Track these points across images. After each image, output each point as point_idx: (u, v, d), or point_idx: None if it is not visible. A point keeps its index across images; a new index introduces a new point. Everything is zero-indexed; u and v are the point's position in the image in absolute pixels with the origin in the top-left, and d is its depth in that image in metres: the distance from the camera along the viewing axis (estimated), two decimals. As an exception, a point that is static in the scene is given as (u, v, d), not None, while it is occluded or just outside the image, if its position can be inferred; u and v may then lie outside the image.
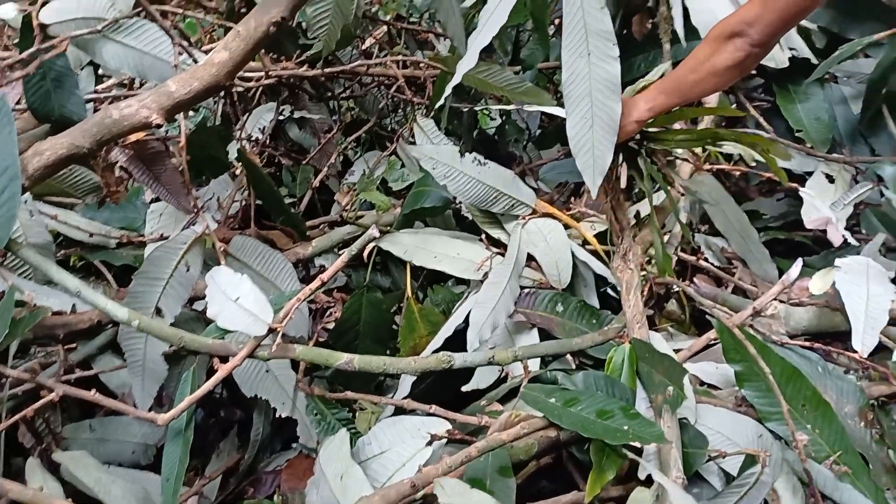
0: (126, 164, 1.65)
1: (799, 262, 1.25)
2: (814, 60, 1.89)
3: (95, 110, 1.50)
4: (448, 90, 1.34)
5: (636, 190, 2.15)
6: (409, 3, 2.79)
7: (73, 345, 1.48)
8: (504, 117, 2.53)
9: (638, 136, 1.32)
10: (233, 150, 1.86)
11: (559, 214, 1.62)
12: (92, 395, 1.11)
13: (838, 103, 1.96)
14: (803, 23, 1.91)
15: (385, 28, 2.58)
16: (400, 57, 2.12)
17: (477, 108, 2.37)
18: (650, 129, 1.35)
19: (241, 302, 1.22)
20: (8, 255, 1.36)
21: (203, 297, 1.53)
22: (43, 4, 1.37)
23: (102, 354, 1.48)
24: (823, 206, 1.59)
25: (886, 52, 1.83)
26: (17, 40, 1.55)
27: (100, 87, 1.72)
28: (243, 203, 1.87)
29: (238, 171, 1.92)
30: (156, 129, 1.30)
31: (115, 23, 1.38)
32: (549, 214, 1.61)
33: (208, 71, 1.25)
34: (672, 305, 1.64)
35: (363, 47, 2.48)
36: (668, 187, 1.43)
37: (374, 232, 1.35)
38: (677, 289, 1.52)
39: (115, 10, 1.39)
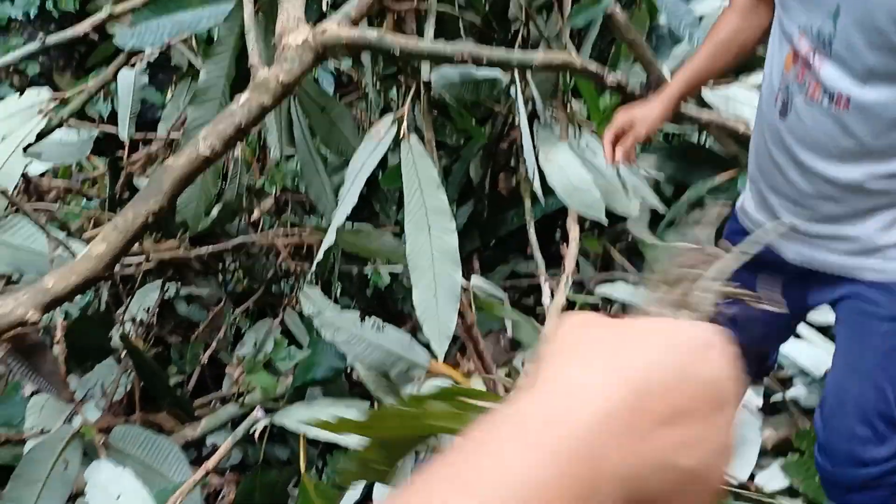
0: (3, 359, 1.60)
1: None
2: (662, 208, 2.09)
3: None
4: (315, 265, 1.41)
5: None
6: (293, 173, 2.90)
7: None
8: (392, 276, 2.61)
9: None
10: (116, 334, 1.84)
11: (453, 374, 1.66)
12: None
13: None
14: (651, 173, 2.11)
15: (272, 199, 2.67)
16: (277, 233, 2.19)
17: (370, 267, 2.44)
18: None
19: (122, 500, 1.19)
20: None
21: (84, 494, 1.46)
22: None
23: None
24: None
25: (727, 196, 2.04)
26: None
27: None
28: (129, 387, 1.83)
29: (123, 355, 1.89)
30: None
31: (-12, 223, 1.39)
32: (443, 374, 1.65)
33: (86, 265, 1.27)
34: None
35: (252, 219, 2.55)
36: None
37: (258, 414, 1.36)
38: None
39: (-11, 210, 1.41)
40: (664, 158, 2.14)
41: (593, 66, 1.76)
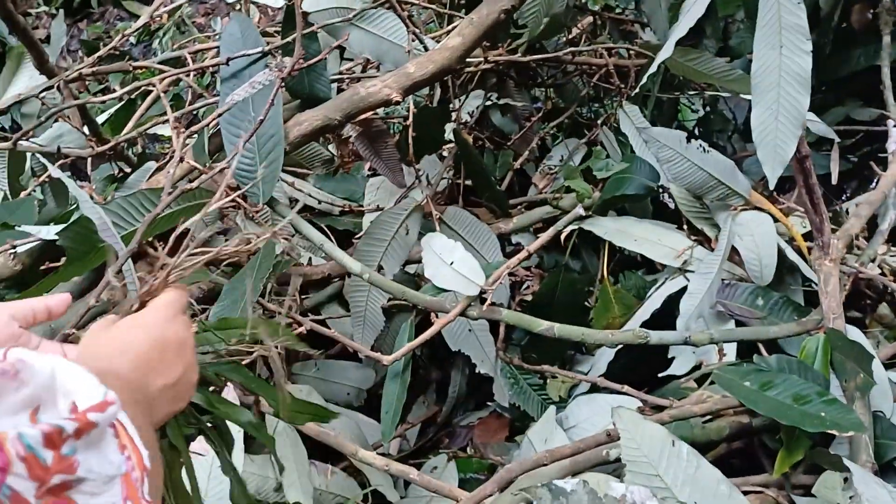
0: (355, 139, 1.85)
1: None
2: None
3: (339, 90, 1.69)
4: (644, 78, 1.40)
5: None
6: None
7: (305, 294, 1.70)
8: (709, 107, 2.51)
9: None
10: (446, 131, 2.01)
11: (771, 208, 1.60)
12: (332, 332, 1.29)
13: None
14: None
15: (591, 18, 2.64)
16: (604, 46, 2.18)
17: (686, 95, 2.37)
18: None
19: (455, 266, 1.36)
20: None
21: (414, 262, 1.69)
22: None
23: (329, 304, 1.68)
24: None
25: None
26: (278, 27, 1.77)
27: (343, 67, 1.92)
28: (450, 181, 2.02)
29: (445, 152, 2.07)
30: (394, 105, 1.45)
31: (361, 12, 1.56)
32: (761, 208, 1.60)
33: (443, 55, 1.39)
34: (885, 309, 1.59)
35: (569, 37, 2.56)
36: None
37: (579, 211, 1.43)
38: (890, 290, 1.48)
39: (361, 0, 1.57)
40: None
41: None
